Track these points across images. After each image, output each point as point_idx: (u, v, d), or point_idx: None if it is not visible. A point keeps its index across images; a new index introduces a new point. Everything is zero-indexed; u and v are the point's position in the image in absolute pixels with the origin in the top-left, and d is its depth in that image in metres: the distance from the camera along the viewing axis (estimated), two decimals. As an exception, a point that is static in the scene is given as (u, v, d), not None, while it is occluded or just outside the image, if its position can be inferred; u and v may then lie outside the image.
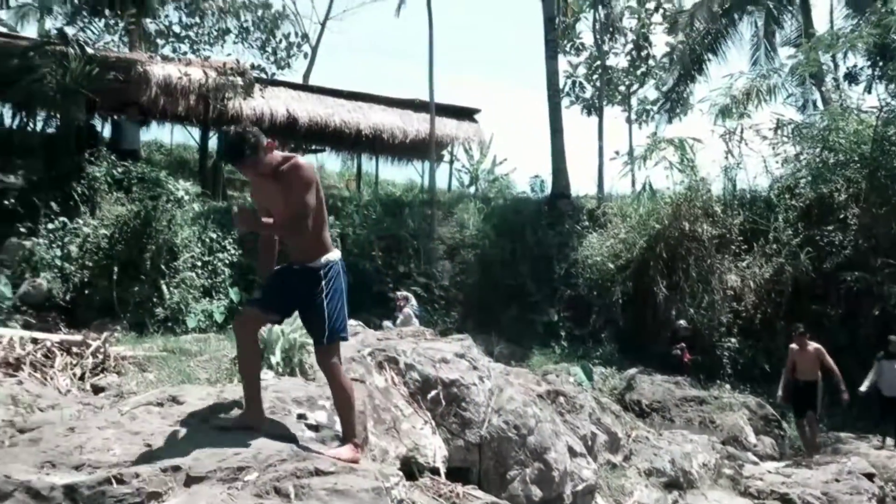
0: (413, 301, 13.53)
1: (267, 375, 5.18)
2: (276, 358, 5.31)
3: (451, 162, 23.37)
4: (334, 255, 4.44)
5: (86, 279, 12.46)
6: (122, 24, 14.95)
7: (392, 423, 5.57)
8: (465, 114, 22.69)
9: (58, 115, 14.71)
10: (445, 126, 21.18)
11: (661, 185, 19.14)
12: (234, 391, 4.69)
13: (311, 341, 5.81)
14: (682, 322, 14.89)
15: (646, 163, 19.14)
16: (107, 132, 19.84)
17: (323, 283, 4.30)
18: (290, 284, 4.38)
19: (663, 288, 15.43)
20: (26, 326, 10.57)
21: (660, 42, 35.53)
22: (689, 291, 15.39)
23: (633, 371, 13.59)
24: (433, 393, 6.07)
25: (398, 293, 13.79)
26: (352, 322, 10.69)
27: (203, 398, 4.63)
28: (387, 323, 12.74)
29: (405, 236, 16.62)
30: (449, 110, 21.54)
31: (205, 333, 12.05)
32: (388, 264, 15.98)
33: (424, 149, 20.27)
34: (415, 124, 21.08)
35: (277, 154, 4.33)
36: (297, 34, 18.00)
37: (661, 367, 14.19)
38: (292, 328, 5.51)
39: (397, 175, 26.43)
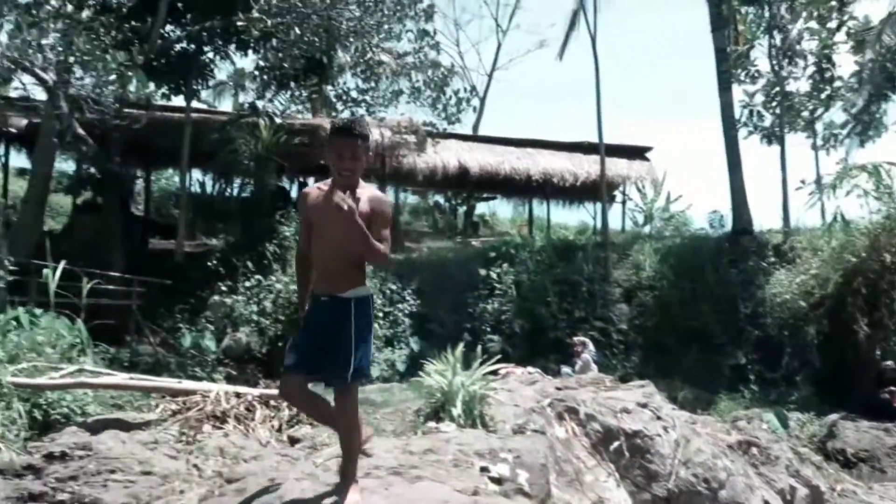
0: (591, 346, 13.31)
1: (449, 427, 5.29)
2: (457, 410, 5.40)
3: (624, 202, 22.98)
4: (367, 289, 4.12)
5: (279, 332, 13.32)
6: (305, 94, 16.10)
7: (574, 475, 5.49)
8: (637, 152, 22.37)
9: (252, 181, 16.01)
10: (616, 166, 20.96)
11: (854, 214, 17.75)
12: (420, 444, 4.81)
13: (491, 392, 5.91)
14: (890, 363, 13.62)
15: (836, 191, 17.83)
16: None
17: (353, 316, 3.98)
18: (319, 324, 4.03)
19: (864, 326, 14.23)
20: (229, 378, 11.45)
21: (845, 62, 33.32)
22: (894, 329, 14.11)
23: (834, 417, 12.57)
24: (616, 444, 5.94)
25: (575, 339, 13.61)
26: (529, 369, 10.81)
27: (389, 450, 4.78)
28: (565, 369, 12.61)
29: (580, 280, 16.46)
30: (619, 150, 21.31)
31: (388, 383, 12.53)
32: (564, 309, 15.87)
33: (596, 190, 20.13)
34: (585, 166, 21.05)
35: (363, 182, 4.09)
36: (465, 89, 18.63)
37: (866, 412, 13.01)
38: (472, 380, 5.60)
39: (569, 218, 26.36)
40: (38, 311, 9.21)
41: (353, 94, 16.43)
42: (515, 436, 5.33)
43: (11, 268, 9.75)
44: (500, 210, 29.47)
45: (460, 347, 5.91)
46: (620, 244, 19.03)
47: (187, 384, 6.96)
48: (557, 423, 5.94)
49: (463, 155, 20.25)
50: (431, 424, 5.37)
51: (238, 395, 6.38)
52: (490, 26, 53.22)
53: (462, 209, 26.62)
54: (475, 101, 21.90)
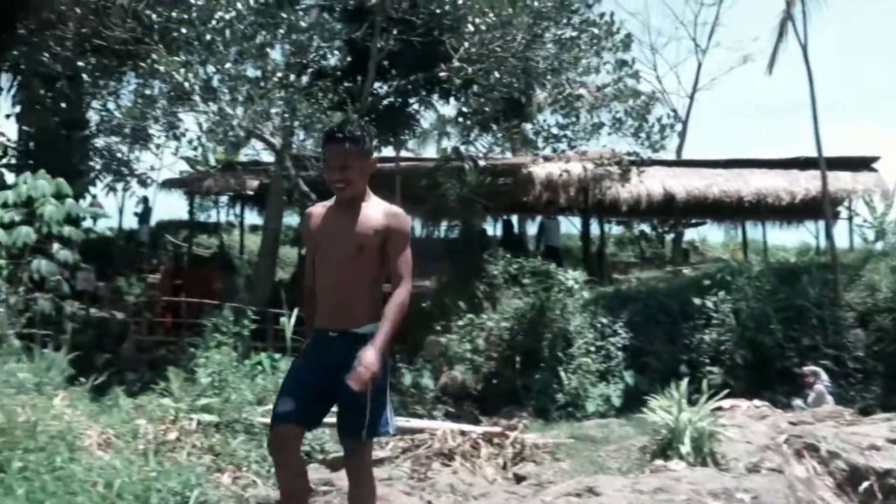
0: (823, 376, 12.36)
1: (678, 466, 5.14)
2: (685, 447, 5.24)
3: (850, 218, 21.19)
4: None
5: (493, 369, 13.60)
6: (505, 134, 16.48)
7: (820, 517, 5.13)
8: (862, 164, 20.70)
9: (459, 223, 16.56)
10: (839, 180, 19.49)
11: None
12: (649, 483, 4.72)
13: (720, 429, 5.67)
14: None
15: None
16: (496, 230, 21.89)
17: None
18: (325, 365, 3.42)
19: None
20: (447, 415, 11.82)
21: None
22: None
23: None
24: (865, 484, 5.48)
25: (805, 368, 12.70)
26: (756, 402, 10.21)
27: (618, 489, 4.72)
28: (797, 402, 11.80)
29: (806, 305, 15.31)
30: (841, 163, 19.79)
31: (604, 418, 12.35)
32: (790, 337, 14.81)
33: (816, 207, 18.82)
34: (802, 183, 19.81)
35: (372, 195, 3.58)
36: (668, 115, 18.20)
37: None
38: (699, 416, 5.42)
39: (787, 239, 24.80)
40: (276, 355, 10.06)
41: (554, 130, 16.59)
42: (751, 474, 5.08)
43: (253, 317, 10.73)
44: (710, 235, 28.39)
45: (685, 382, 5.75)
46: (850, 264, 17.52)
47: (415, 422, 7.28)
48: (796, 460, 5.59)
49: (668, 181, 19.71)
50: (659, 462, 5.25)
51: (462, 433, 6.58)
52: (688, 47, 51.75)
53: (670, 237, 25.87)
54: (678, 126, 21.23)
